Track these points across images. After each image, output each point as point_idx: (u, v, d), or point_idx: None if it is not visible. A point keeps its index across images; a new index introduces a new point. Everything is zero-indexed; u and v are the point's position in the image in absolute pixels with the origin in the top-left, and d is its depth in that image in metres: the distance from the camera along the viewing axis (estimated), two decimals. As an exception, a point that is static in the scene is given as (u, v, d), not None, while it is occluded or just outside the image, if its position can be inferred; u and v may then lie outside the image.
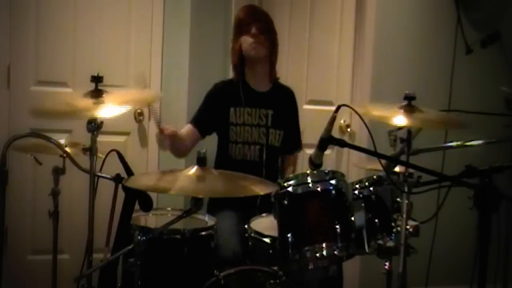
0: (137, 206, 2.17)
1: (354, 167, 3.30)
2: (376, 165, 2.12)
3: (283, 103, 2.88)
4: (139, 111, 3.36)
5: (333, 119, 2.02)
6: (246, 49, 2.76)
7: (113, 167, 2.28)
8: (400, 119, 2.13)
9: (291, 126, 2.90)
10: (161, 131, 2.47)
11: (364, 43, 3.69)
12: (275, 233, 2.18)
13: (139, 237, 1.96)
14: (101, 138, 2.20)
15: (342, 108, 2.04)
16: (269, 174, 2.68)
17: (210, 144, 2.83)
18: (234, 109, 2.78)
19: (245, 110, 2.78)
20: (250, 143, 2.78)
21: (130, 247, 1.96)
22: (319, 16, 3.65)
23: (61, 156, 2.37)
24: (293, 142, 2.93)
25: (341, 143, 2.00)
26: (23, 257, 3.22)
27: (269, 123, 2.80)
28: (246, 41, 2.75)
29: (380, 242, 2.17)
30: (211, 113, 2.80)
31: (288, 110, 2.91)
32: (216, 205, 2.66)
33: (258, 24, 2.74)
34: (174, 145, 2.60)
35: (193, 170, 1.92)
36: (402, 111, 2.17)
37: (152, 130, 3.39)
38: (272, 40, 2.81)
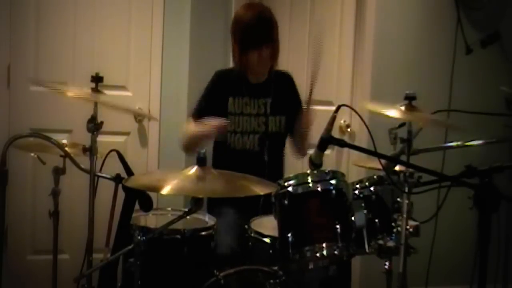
0: (137, 206, 2.17)
1: (354, 167, 3.29)
2: (376, 164, 2.11)
3: (281, 89, 2.82)
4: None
5: (333, 119, 2.03)
6: (251, 65, 2.72)
7: (113, 167, 2.28)
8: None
9: (293, 108, 2.84)
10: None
11: (364, 43, 3.69)
12: (275, 233, 2.17)
13: (139, 237, 1.97)
14: (101, 138, 2.20)
15: (342, 108, 2.04)
16: (270, 162, 2.65)
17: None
18: (233, 99, 2.75)
19: (244, 100, 2.77)
20: (249, 133, 2.75)
21: (130, 247, 1.96)
22: (319, 16, 3.65)
23: (61, 156, 2.37)
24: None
25: (341, 143, 2.00)
26: (23, 257, 3.22)
27: (268, 111, 2.77)
28: (251, 58, 2.69)
29: (380, 242, 2.16)
30: (212, 102, 2.75)
31: (287, 94, 2.86)
32: (215, 204, 2.65)
33: (265, 50, 2.67)
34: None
35: (193, 170, 1.92)
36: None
37: (151, 130, 3.40)
38: (275, 50, 2.74)
